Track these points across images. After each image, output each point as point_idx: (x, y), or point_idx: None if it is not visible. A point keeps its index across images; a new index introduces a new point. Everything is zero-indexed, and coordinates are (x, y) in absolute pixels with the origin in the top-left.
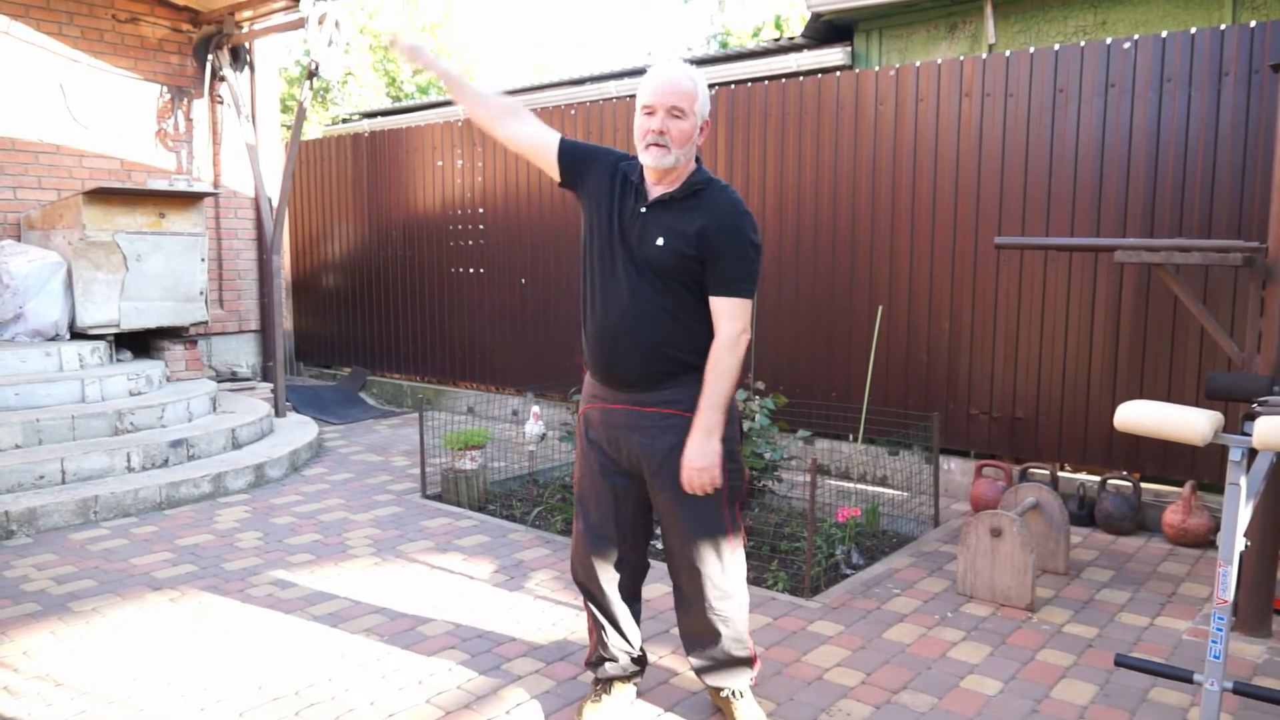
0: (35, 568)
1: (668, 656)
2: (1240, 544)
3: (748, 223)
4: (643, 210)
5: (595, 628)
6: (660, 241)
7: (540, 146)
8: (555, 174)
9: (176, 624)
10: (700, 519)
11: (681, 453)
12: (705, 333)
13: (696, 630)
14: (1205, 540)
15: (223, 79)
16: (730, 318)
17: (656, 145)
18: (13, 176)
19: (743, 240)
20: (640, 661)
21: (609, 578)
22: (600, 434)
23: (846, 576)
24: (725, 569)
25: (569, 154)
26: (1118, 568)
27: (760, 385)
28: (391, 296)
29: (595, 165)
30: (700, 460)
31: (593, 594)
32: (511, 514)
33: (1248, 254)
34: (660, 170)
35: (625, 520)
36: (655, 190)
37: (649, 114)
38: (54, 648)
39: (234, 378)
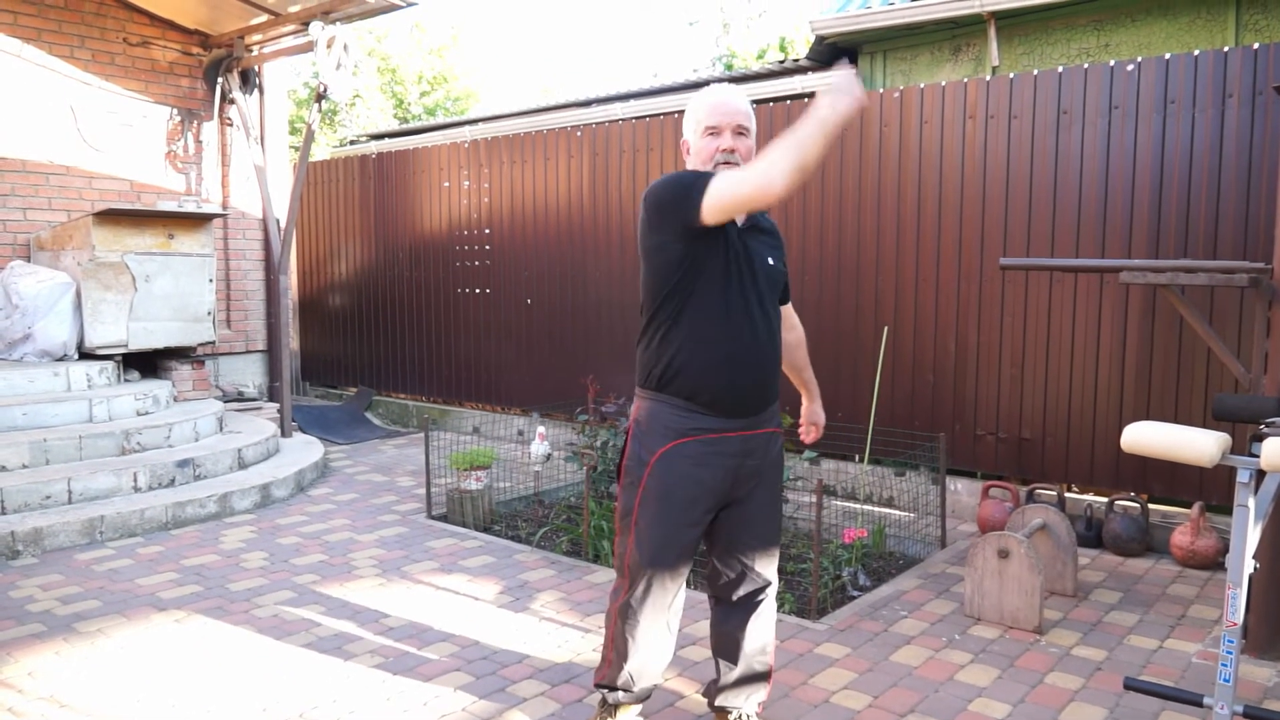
0: (41, 588)
1: (674, 679)
2: (1249, 566)
3: None
4: (740, 232)
5: (624, 659)
6: (772, 261)
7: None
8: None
9: (181, 645)
10: (775, 524)
11: (775, 464)
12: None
13: (731, 643)
14: (1214, 562)
15: (232, 101)
16: (797, 318)
17: (729, 164)
18: (23, 198)
19: None
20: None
21: (678, 607)
22: (703, 466)
23: (853, 598)
24: (775, 576)
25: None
26: (1126, 589)
27: None
28: (398, 317)
29: None
30: (822, 420)
31: (649, 633)
32: (517, 534)
33: (1254, 275)
34: None
35: (693, 555)
36: None
37: (714, 134)
38: (58, 668)
39: (241, 398)
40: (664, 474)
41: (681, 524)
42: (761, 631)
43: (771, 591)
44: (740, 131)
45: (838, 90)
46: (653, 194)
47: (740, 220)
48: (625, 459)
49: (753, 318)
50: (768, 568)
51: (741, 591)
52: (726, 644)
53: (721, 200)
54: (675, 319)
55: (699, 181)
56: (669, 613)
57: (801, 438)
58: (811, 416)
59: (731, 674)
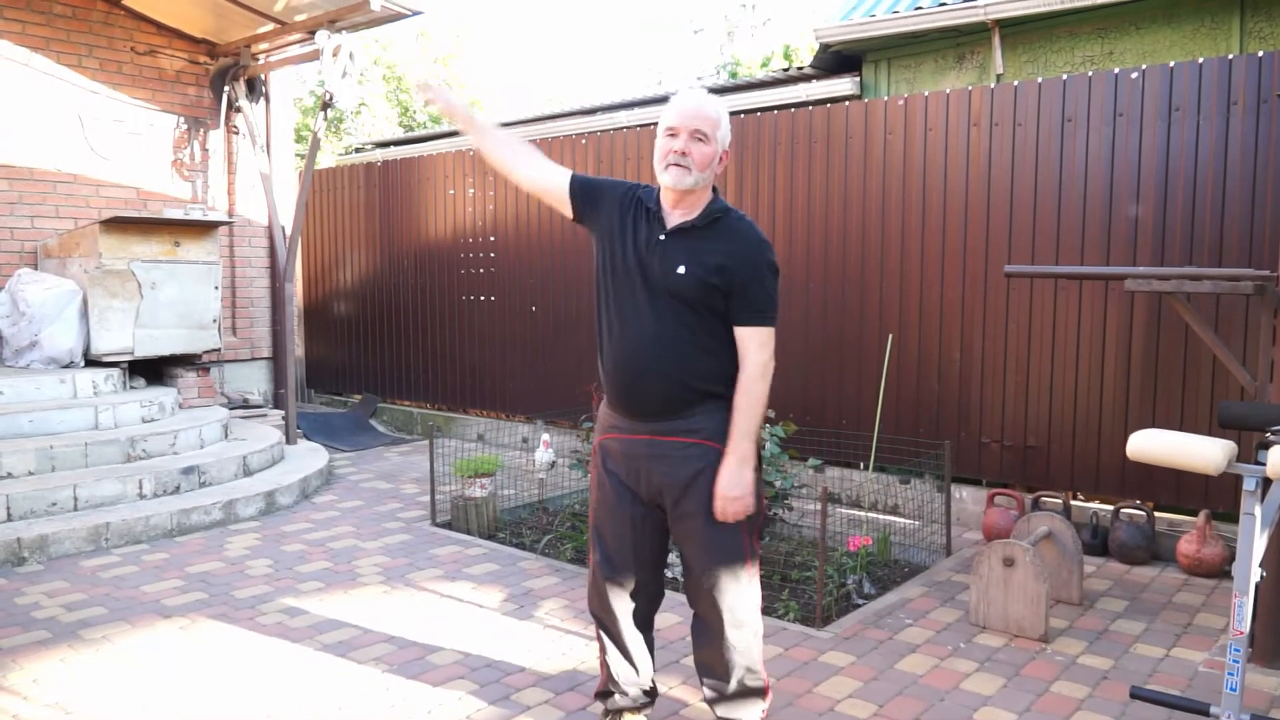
0: (46, 595)
1: (678, 687)
2: (1256, 574)
3: (767, 251)
4: (661, 238)
5: (607, 659)
6: (682, 270)
7: (552, 185)
8: (568, 210)
9: (186, 652)
10: (721, 547)
11: (703, 480)
12: (726, 360)
13: (712, 659)
14: (1220, 570)
15: (238, 110)
16: (759, 346)
17: (678, 165)
18: (31, 206)
19: (764, 269)
20: (651, 693)
21: (624, 608)
22: (619, 464)
23: (858, 606)
24: (743, 597)
25: (580, 189)
26: (1132, 598)
27: (770, 413)
28: (403, 324)
29: (607, 196)
30: (735, 490)
31: (607, 625)
32: (521, 542)
33: (1259, 282)
34: (679, 191)
35: (642, 550)
36: (673, 217)
37: (672, 135)
38: (64, 675)
39: (246, 405)
40: (596, 466)
41: (613, 515)
42: (740, 655)
43: (740, 617)
44: (699, 137)
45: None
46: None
47: (668, 223)
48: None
49: (638, 325)
50: (724, 593)
51: (706, 608)
52: (709, 659)
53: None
54: (595, 323)
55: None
56: (629, 612)
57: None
58: (716, 485)
59: (727, 689)
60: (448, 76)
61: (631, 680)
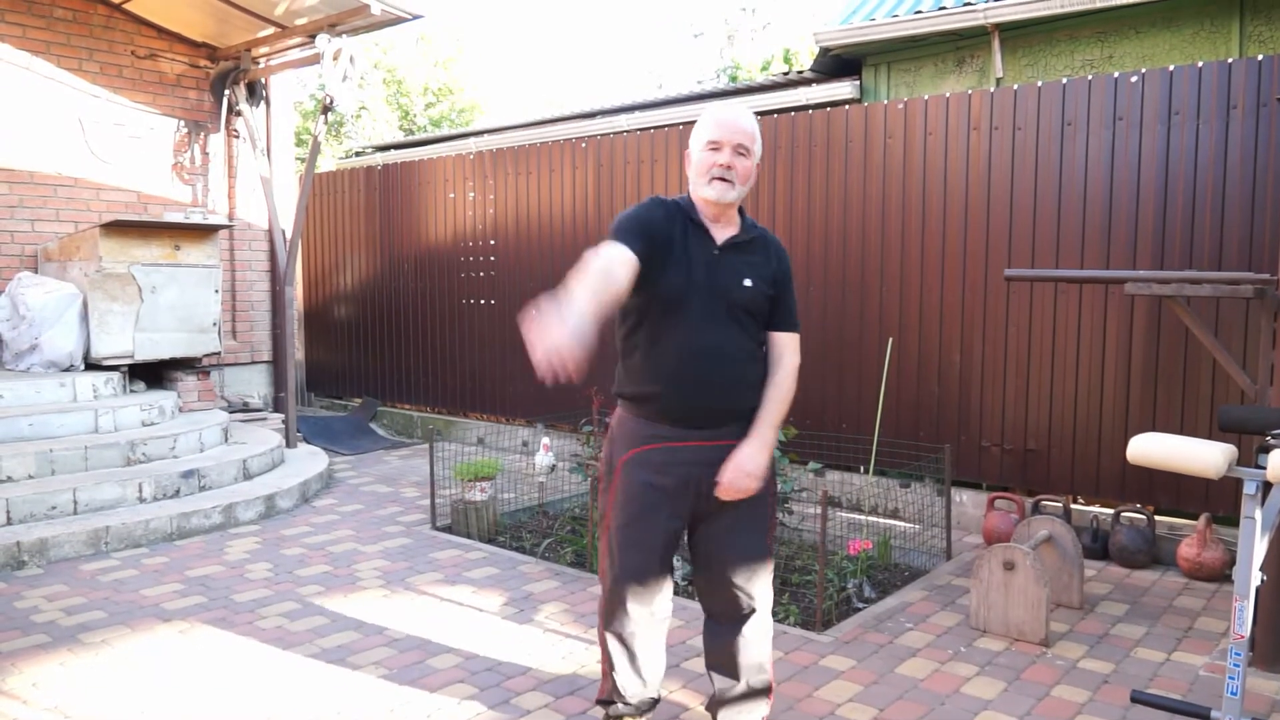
0: (46, 598)
1: (678, 691)
2: (1256, 578)
3: (789, 261)
4: (715, 252)
5: (612, 669)
6: (748, 283)
7: (631, 275)
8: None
9: (186, 656)
10: (751, 543)
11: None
12: (765, 366)
13: (726, 658)
14: (1221, 574)
15: (239, 113)
16: (794, 350)
17: (722, 180)
18: (31, 209)
19: (791, 278)
20: (654, 699)
21: (651, 620)
22: (663, 475)
23: (858, 610)
24: (765, 592)
25: (644, 252)
26: (1133, 602)
27: None
28: (403, 327)
29: (658, 227)
30: (751, 466)
31: (626, 639)
32: (521, 545)
33: (1259, 286)
34: (720, 205)
35: (668, 562)
36: (719, 231)
37: (715, 149)
38: (63, 679)
39: (246, 408)
40: (628, 479)
41: (647, 529)
42: (755, 649)
43: (762, 608)
44: (741, 151)
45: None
46: (616, 220)
47: (719, 238)
48: (601, 464)
49: (703, 335)
50: (752, 583)
51: (728, 608)
52: (721, 660)
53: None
54: (632, 335)
55: (616, 234)
56: (650, 620)
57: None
58: (735, 458)
59: (729, 689)
60: (448, 80)
61: (638, 693)
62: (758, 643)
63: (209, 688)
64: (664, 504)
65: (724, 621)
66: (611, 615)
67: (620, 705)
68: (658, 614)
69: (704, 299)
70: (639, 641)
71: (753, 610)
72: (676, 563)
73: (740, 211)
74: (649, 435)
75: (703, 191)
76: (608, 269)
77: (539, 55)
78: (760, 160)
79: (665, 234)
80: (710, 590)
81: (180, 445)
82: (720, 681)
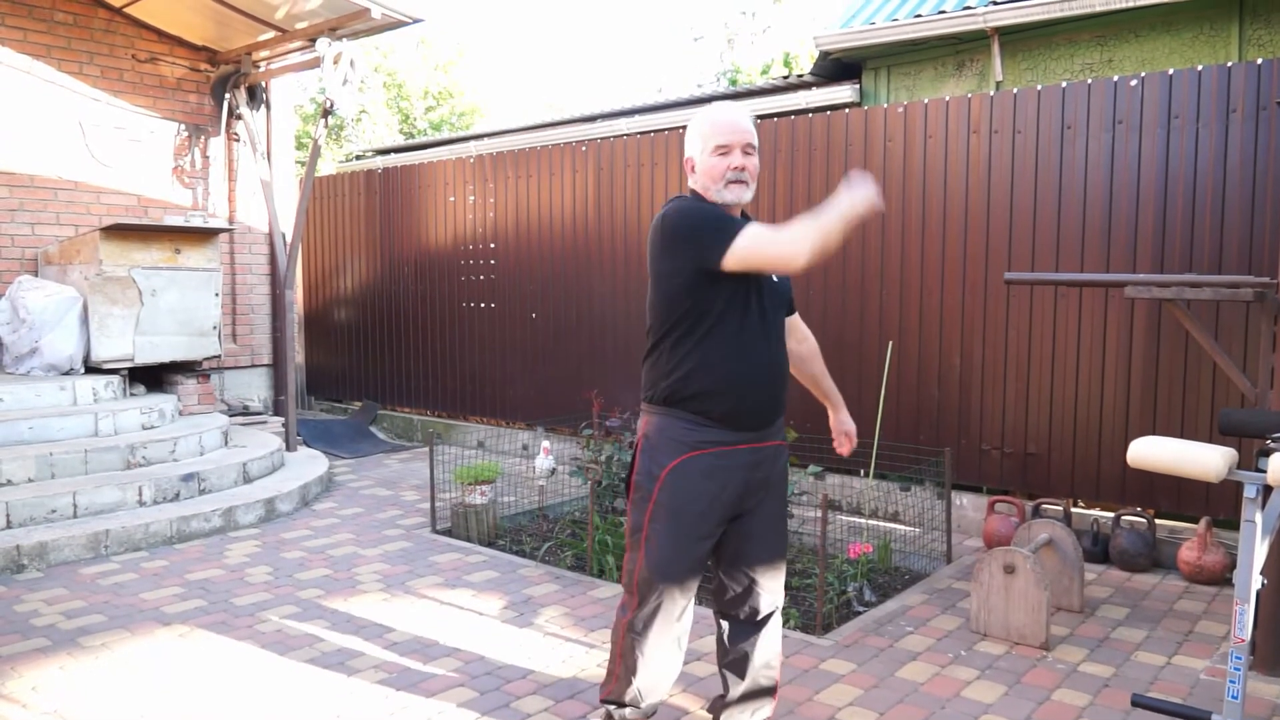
0: (45, 602)
1: (679, 695)
2: (1257, 582)
3: None
4: None
5: (632, 673)
6: (776, 278)
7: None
8: None
9: (185, 660)
10: (780, 542)
11: (782, 477)
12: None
13: (741, 657)
14: (1221, 578)
15: (239, 117)
16: (807, 328)
17: (739, 182)
18: (32, 213)
19: None
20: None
21: (683, 630)
22: (712, 479)
23: (859, 614)
24: (783, 585)
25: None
26: (1133, 605)
27: None
28: (403, 331)
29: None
30: (852, 425)
31: (668, 646)
32: (521, 549)
33: (1259, 289)
34: (741, 205)
35: (702, 569)
36: None
37: (724, 153)
38: (62, 683)
39: (246, 411)
40: (675, 488)
41: (692, 538)
42: (768, 647)
43: (769, 609)
44: (748, 150)
45: (858, 189)
46: (673, 225)
47: None
48: (635, 474)
49: (761, 334)
50: (775, 582)
51: (748, 607)
52: (735, 660)
53: (748, 258)
54: (687, 338)
55: (726, 229)
56: (679, 628)
57: (836, 449)
58: (841, 426)
59: (738, 689)
60: (448, 84)
61: (660, 697)
62: (773, 642)
63: (208, 692)
64: (713, 512)
65: (744, 621)
66: (647, 627)
67: (629, 710)
68: (684, 622)
69: (749, 296)
70: (667, 650)
71: (775, 609)
72: None
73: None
74: (698, 440)
75: (721, 196)
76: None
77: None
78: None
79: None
80: (733, 589)
81: (180, 449)
82: (733, 681)
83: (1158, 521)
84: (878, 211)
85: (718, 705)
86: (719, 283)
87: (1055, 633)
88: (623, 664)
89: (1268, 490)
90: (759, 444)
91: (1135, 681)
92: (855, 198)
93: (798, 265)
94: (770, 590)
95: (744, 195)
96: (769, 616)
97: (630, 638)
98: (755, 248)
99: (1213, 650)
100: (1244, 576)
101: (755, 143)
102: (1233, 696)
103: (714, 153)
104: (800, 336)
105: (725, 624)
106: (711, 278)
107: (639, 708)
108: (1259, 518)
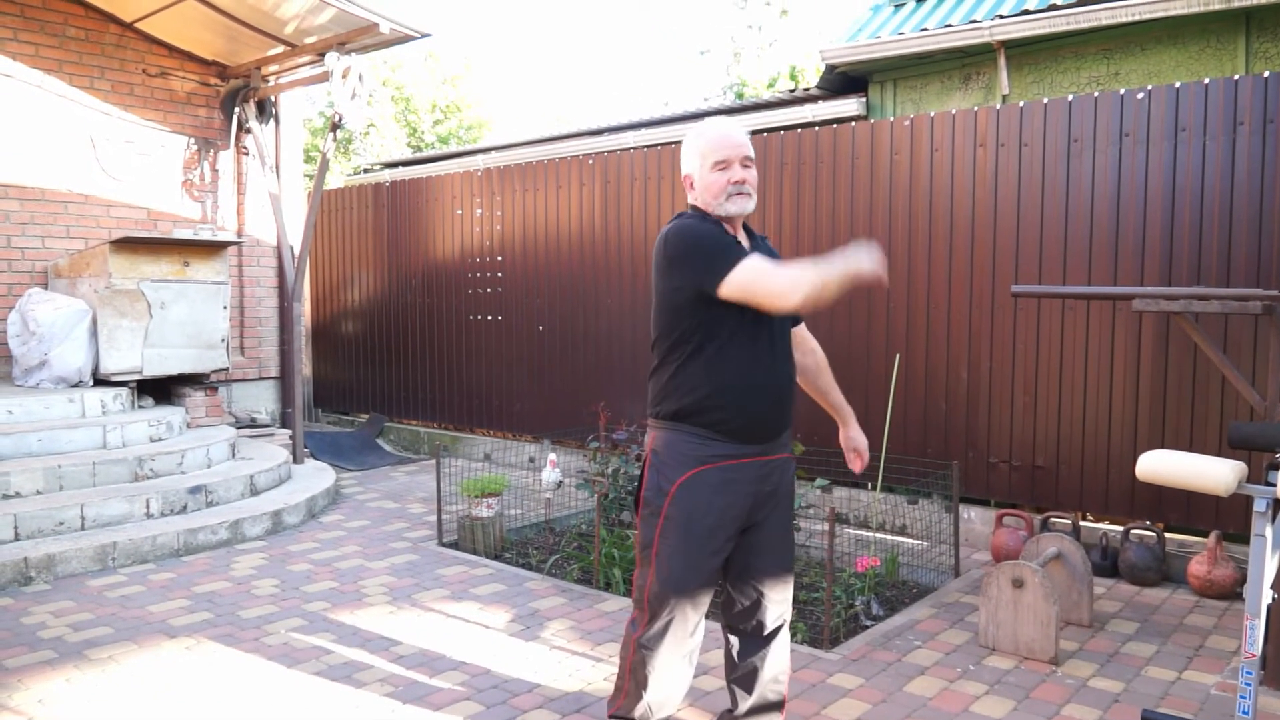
0: (53, 614)
1: (685, 710)
2: (1268, 596)
3: None
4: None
5: (643, 688)
6: None
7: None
8: None
9: (192, 672)
10: (788, 556)
11: (788, 490)
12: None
13: (750, 672)
14: (1232, 592)
15: (248, 131)
16: (814, 340)
17: (742, 194)
18: (42, 226)
19: None
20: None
21: (696, 643)
22: (721, 493)
23: (866, 628)
24: (791, 599)
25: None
26: (1143, 620)
27: None
28: (410, 344)
29: (728, 240)
30: (864, 441)
31: (679, 663)
32: (528, 562)
33: (1267, 302)
34: (742, 218)
35: (714, 584)
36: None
37: (724, 168)
38: (69, 696)
39: (253, 424)
40: (685, 502)
41: (704, 552)
42: (777, 661)
43: (778, 623)
44: (747, 163)
45: (866, 253)
46: (674, 247)
47: (745, 245)
48: (644, 490)
49: (767, 347)
50: (783, 595)
51: (756, 621)
52: (745, 674)
53: (743, 291)
54: (693, 353)
55: (724, 255)
56: (690, 643)
57: (849, 466)
58: (851, 442)
59: (745, 704)
60: (456, 97)
61: (672, 709)
62: (781, 655)
63: (215, 705)
64: (724, 526)
65: (753, 636)
66: (658, 642)
67: None
68: (696, 637)
69: (756, 310)
70: (678, 665)
71: (783, 622)
72: None
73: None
74: (707, 455)
75: (725, 209)
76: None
77: (546, 73)
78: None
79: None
80: (741, 603)
81: (188, 461)
82: (741, 696)
83: (1167, 535)
84: (879, 282)
85: (726, 718)
86: (722, 302)
87: (1064, 647)
88: (632, 679)
89: (1278, 504)
90: (766, 457)
91: (1145, 697)
92: (861, 260)
93: (788, 306)
94: (778, 603)
95: (747, 206)
96: (777, 630)
97: (641, 653)
98: (751, 282)
99: (1223, 665)
100: (1255, 591)
101: (752, 154)
102: (1244, 712)
103: (714, 169)
104: (807, 349)
105: (734, 639)
106: (713, 296)
107: None
108: (1269, 531)
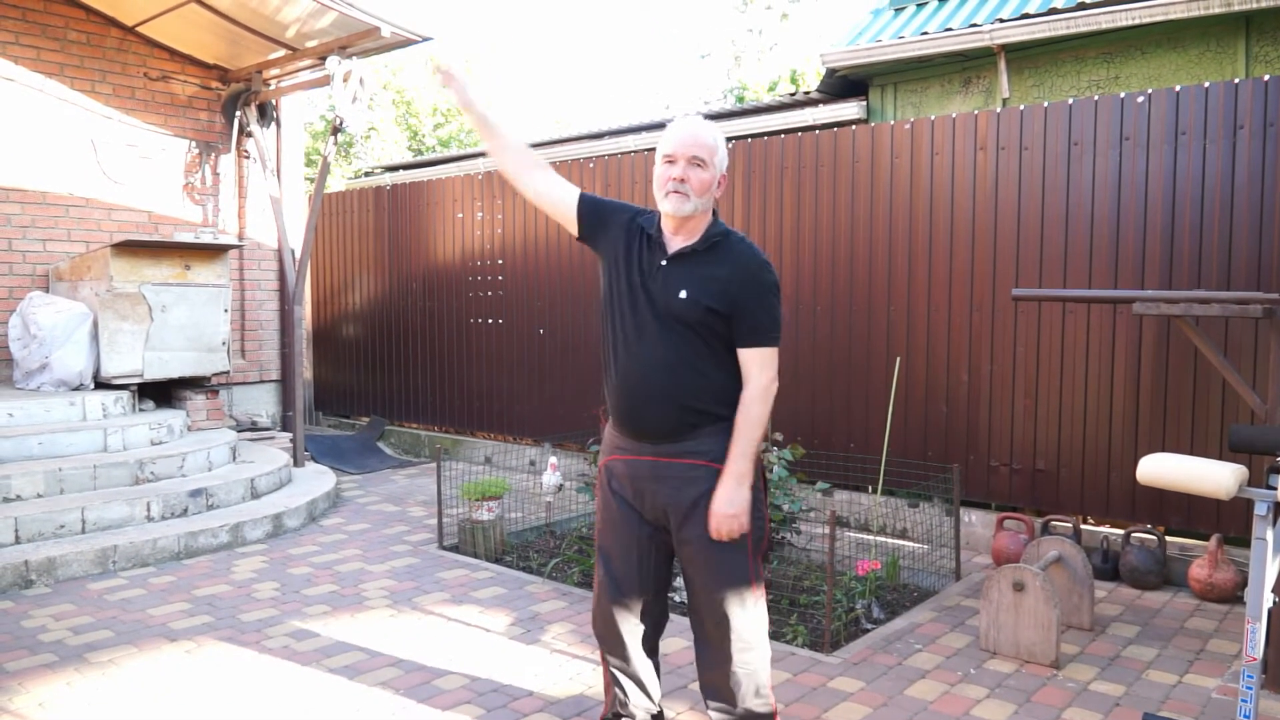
0: (53, 618)
1: (685, 713)
2: (1269, 600)
3: (768, 271)
4: (663, 263)
5: (613, 683)
6: (683, 294)
7: (560, 200)
8: (574, 228)
9: (192, 676)
10: (725, 569)
11: (708, 502)
12: (728, 383)
13: (718, 682)
14: (1233, 595)
15: (249, 134)
16: (761, 367)
17: (677, 193)
18: (43, 229)
19: (765, 289)
20: (658, 718)
21: (631, 630)
22: (624, 485)
23: (867, 631)
24: (748, 620)
25: (588, 208)
26: (1144, 623)
27: (778, 436)
28: (410, 347)
29: (614, 219)
30: (730, 507)
31: (614, 648)
32: (528, 565)
33: (1268, 305)
34: (679, 218)
35: (647, 572)
36: (674, 243)
37: (670, 163)
38: (70, 699)
39: (254, 427)
40: (601, 487)
41: (617, 536)
42: (744, 672)
43: (745, 632)
44: (696, 163)
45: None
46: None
47: (670, 248)
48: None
49: (641, 348)
50: (728, 605)
51: (710, 630)
52: (714, 680)
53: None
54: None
55: (599, 222)
56: (636, 633)
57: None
58: (713, 503)
59: (734, 711)
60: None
61: (642, 705)
62: (749, 671)
63: (215, 708)
64: (627, 517)
65: (711, 643)
66: (597, 622)
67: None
68: (645, 623)
69: (643, 310)
70: (630, 649)
71: (729, 633)
72: (677, 581)
73: (716, 220)
74: (614, 446)
75: (660, 205)
76: (540, 160)
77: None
78: (725, 172)
79: (616, 230)
80: (695, 615)
81: (188, 464)
82: (716, 706)
83: (1168, 539)
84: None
85: None
86: (607, 291)
87: (1065, 651)
88: (606, 674)
89: (1278, 508)
90: (662, 458)
91: (1146, 700)
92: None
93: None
94: (722, 613)
95: (681, 207)
96: (729, 639)
97: (601, 649)
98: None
99: (1224, 669)
100: (1255, 594)
101: (710, 159)
102: (1245, 716)
103: (662, 161)
104: (744, 377)
105: (696, 644)
106: (604, 285)
107: (634, 719)
108: (1270, 535)
